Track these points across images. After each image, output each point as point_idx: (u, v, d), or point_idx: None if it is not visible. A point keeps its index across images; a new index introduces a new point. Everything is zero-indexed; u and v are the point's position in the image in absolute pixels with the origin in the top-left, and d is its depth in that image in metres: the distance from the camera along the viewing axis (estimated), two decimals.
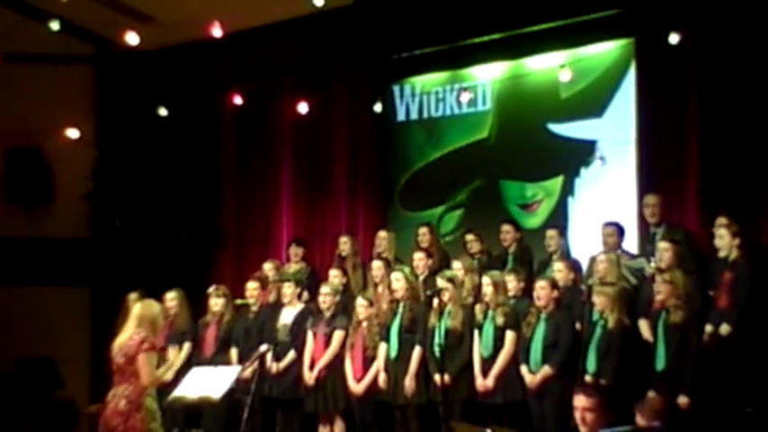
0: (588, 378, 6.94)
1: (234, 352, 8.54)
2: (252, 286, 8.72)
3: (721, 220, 7.38)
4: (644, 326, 7.19)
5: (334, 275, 8.73)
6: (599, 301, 7.08)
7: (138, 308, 6.41)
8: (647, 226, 8.35)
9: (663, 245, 7.36)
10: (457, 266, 8.19)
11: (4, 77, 10.32)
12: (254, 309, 8.66)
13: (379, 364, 7.91)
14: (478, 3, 9.29)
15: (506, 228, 8.89)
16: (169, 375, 6.93)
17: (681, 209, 8.53)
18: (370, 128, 10.67)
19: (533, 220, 9.78)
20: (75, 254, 11.00)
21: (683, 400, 6.53)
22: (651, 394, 6.66)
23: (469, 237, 8.95)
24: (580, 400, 4.81)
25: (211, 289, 8.89)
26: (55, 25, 9.48)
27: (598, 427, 4.78)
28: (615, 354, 6.93)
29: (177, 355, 8.39)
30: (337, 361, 8.10)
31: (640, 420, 4.91)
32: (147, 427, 6.36)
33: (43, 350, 10.36)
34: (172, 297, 8.80)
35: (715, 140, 8.46)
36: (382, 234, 9.36)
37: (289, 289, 8.56)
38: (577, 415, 4.83)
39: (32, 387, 10.15)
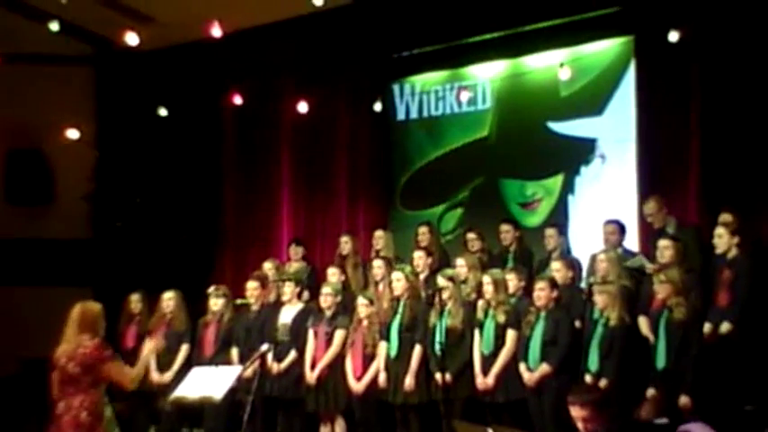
0: (589, 377, 6.94)
1: (235, 352, 8.54)
2: (252, 286, 8.72)
3: (723, 218, 7.37)
4: (643, 323, 7.19)
5: (333, 274, 8.74)
6: (600, 299, 7.08)
7: (75, 311, 5.98)
8: (648, 224, 8.35)
9: (663, 242, 7.35)
10: (460, 263, 8.20)
11: (5, 78, 10.33)
12: (255, 308, 8.66)
13: (379, 362, 7.92)
14: (478, 2, 9.30)
15: (506, 227, 8.90)
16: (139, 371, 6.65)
17: (681, 206, 8.53)
18: (370, 127, 10.68)
19: (533, 219, 9.79)
20: (76, 255, 11.00)
21: (683, 398, 6.53)
22: (651, 392, 6.68)
23: (471, 235, 8.95)
24: (576, 411, 4.82)
25: (211, 289, 8.88)
26: (54, 26, 9.50)
27: (599, 429, 4.79)
28: (617, 352, 6.92)
29: (150, 349, 8.14)
30: (338, 360, 8.10)
31: (644, 418, 4.92)
32: None
33: (45, 351, 10.34)
34: (169, 297, 8.80)
35: (715, 138, 8.47)
36: (379, 233, 9.36)
37: (289, 288, 8.56)
38: (579, 425, 4.84)
39: (34, 387, 10.14)
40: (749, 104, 8.28)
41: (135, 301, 9.03)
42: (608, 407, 4.80)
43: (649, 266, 7.58)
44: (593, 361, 6.98)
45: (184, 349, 8.65)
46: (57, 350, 5.94)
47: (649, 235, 8.26)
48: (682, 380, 6.63)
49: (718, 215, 7.52)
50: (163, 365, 8.58)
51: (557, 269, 7.75)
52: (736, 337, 6.85)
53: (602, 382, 6.78)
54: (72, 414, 5.76)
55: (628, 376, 6.85)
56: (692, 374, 6.63)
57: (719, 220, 7.36)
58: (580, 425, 4.80)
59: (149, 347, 6.91)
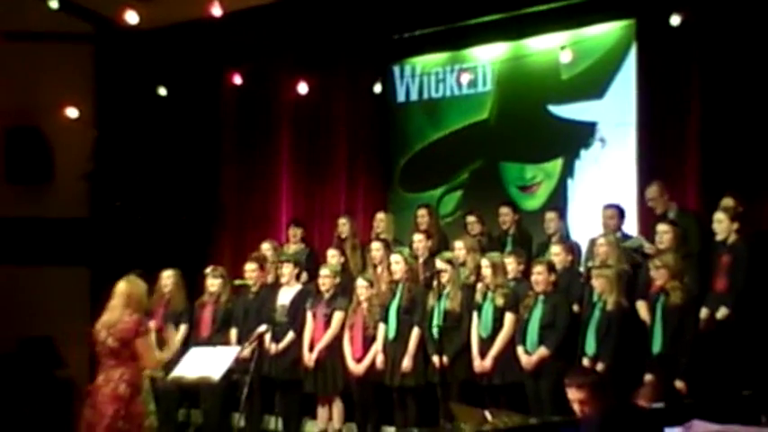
0: (586, 360, 6.96)
1: (234, 332, 8.56)
2: (250, 267, 8.73)
3: (725, 203, 7.37)
4: (642, 307, 7.20)
5: (333, 256, 8.74)
6: (598, 283, 7.09)
7: (123, 286, 6.07)
8: (648, 208, 8.34)
9: (662, 227, 7.36)
10: (459, 246, 8.20)
11: (4, 56, 10.29)
12: (254, 289, 8.67)
13: (377, 344, 7.93)
14: None
15: (504, 210, 8.89)
16: (169, 356, 6.80)
17: (681, 191, 8.51)
18: (369, 108, 10.65)
19: (533, 202, 9.77)
20: (74, 234, 10.98)
21: (678, 383, 6.55)
22: (648, 377, 6.69)
23: (470, 218, 8.94)
24: (573, 393, 4.82)
25: (208, 269, 8.90)
26: (54, 3, 9.46)
27: (596, 413, 4.79)
28: (614, 336, 6.94)
29: (176, 336, 8.35)
30: (336, 342, 8.12)
31: (642, 402, 4.92)
32: (146, 410, 6.28)
33: (43, 330, 10.37)
34: (168, 275, 8.81)
35: (715, 123, 8.44)
36: (380, 216, 9.35)
37: (287, 269, 8.57)
38: (575, 407, 4.84)
39: (32, 366, 10.17)
40: (750, 89, 8.25)
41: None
42: (605, 390, 4.80)
43: (648, 246, 7.59)
44: (591, 345, 7.00)
45: (183, 329, 8.66)
46: (98, 321, 6.03)
47: (649, 219, 8.25)
48: (677, 364, 6.64)
49: (718, 200, 7.51)
50: (161, 345, 8.58)
51: (556, 253, 7.75)
52: (734, 322, 6.86)
53: (599, 366, 6.81)
54: (111, 386, 5.87)
55: (625, 360, 6.86)
56: (687, 359, 6.65)
57: (720, 205, 7.35)
58: (576, 407, 4.80)
59: (176, 336, 6.99)
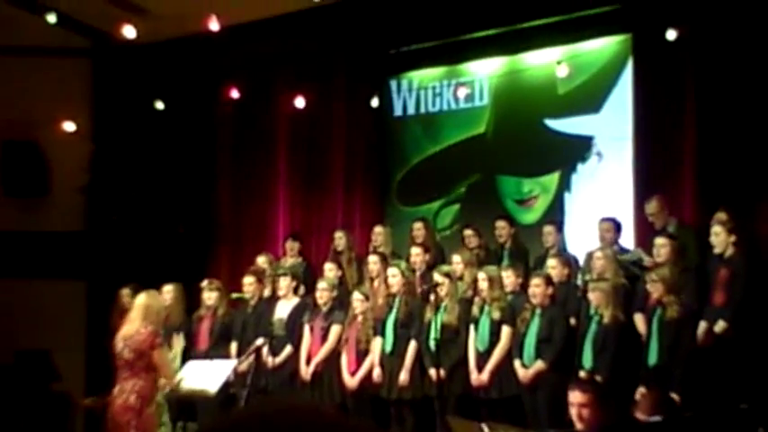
0: (583, 374, 6.95)
1: (234, 346, 8.54)
2: (248, 281, 8.73)
3: (719, 217, 7.38)
4: (639, 320, 7.20)
5: (330, 269, 8.74)
6: (594, 296, 7.10)
7: (143, 298, 6.18)
8: (644, 222, 8.36)
9: (660, 240, 7.36)
10: (456, 260, 8.20)
11: (1, 70, 10.29)
12: (252, 303, 8.66)
13: (373, 358, 7.92)
14: None
15: (501, 224, 8.90)
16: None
17: (678, 205, 8.53)
18: (367, 122, 10.66)
19: (530, 216, 9.78)
20: (71, 247, 10.97)
21: (673, 396, 6.54)
22: (642, 390, 6.68)
23: (468, 232, 8.95)
24: (576, 396, 4.82)
25: (205, 283, 8.89)
26: (52, 18, 9.49)
27: (594, 421, 4.79)
28: (611, 349, 6.94)
29: (171, 351, 8.36)
30: (334, 356, 8.11)
31: (640, 416, 4.91)
32: (158, 422, 6.28)
33: (39, 343, 10.35)
34: (168, 290, 8.79)
35: (712, 137, 8.47)
36: (378, 229, 9.35)
37: (284, 282, 8.56)
38: (573, 411, 4.84)
39: (28, 379, 10.14)
40: (746, 104, 8.28)
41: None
42: (607, 399, 4.81)
43: (647, 259, 7.59)
44: (588, 358, 7.00)
45: (180, 343, 8.63)
46: (117, 335, 6.12)
47: (645, 233, 8.26)
48: (672, 378, 6.64)
49: (714, 214, 7.52)
50: None
51: (553, 266, 7.76)
52: (732, 336, 6.86)
53: (597, 379, 6.79)
54: (123, 397, 5.97)
55: (621, 373, 6.86)
56: (682, 372, 6.65)
57: (716, 218, 7.36)
58: (575, 411, 4.79)
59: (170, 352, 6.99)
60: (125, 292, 8.99)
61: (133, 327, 6.07)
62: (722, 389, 6.73)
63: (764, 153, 8.20)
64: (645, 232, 8.33)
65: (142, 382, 5.97)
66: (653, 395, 6.58)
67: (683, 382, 6.62)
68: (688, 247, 7.61)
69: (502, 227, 8.88)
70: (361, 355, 7.97)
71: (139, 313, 6.12)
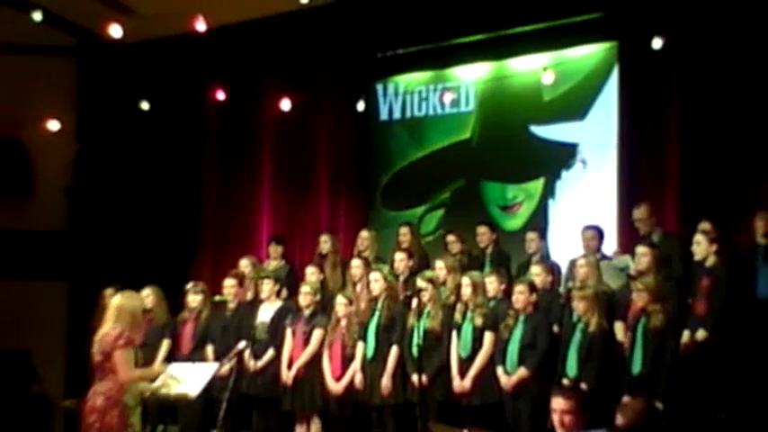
0: (566, 381, 6.95)
1: (210, 349, 8.50)
2: (229, 283, 8.69)
3: (702, 226, 7.40)
4: (619, 328, 7.22)
5: (311, 273, 8.72)
6: (580, 305, 7.09)
7: (117, 299, 6.14)
8: (628, 230, 8.38)
9: (641, 249, 7.36)
10: (439, 266, 8.17)
11: None
12: (232, 306, 8.63)
13: (356, 363, 7.90)
14: (463, 3, 9.29)
15: (482, 229, 8.91)
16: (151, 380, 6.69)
17: (661, 213, 8.55)
18: (352, 126, 10.67)
19: (514, 222, 9.80)
20: (53, 247, 10.92)
21: (656, 404, 6.56)
22: (626, 399, 6.69)
23: (450, 237, 8.95)
24: (558, 403, 4.81)
25: (189, 285, 8.84)
26: (38, 16, 9.45)
27: (576, 429, 4.79)
28: (597, 358, 6.95)
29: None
30: (315, 360, 8.08)
31: (621, 422, 4.91)
32: (124, 423, 6.23)
33: (19, 344, 10.29)
34: (147, 294, 8.72)
35: (695, 145, 8.52)
36: (364, 234, 9.33)
37: (267, 286, 8.53)
38: (555, 417, 4.83)
39: (8, 381, 10.08)
40: (730, 113, 8.32)
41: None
42: (591, 407, 4.81)
43: (634, 267, 7.60)
44: (572, 366, 6.99)
45: (165, 344, 8.60)
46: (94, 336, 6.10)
47: (629, 240, 8.28)
48: (656, 386, 6.65)
49: (697, 223, 7.54)
50: (149, 362, 8.52)
51: (536, 273, 7.76)
52: (713, 345, 6.88)
53: (582, 387, 6.80)
54: (92, 399, 5.94)
55: (605, 382, 6.87)
56: (666, 381, 6.66)
57: (699, 228, 7.39)
58: (557, 418, 4.79)
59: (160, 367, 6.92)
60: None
61: (105, 329, 6.04)
62: (704, 398, 6.76)
63: (748, 162, 8.24)
64: (628, 240, 8.36)
65: (110, 384, 5.94)
66: (636, 403, 6.61)
67: (666, 390, 6.63)
68: (673, 257, 7.62)
69: (483, 232, 8.88)
70: (347, 359, 7.94)
71: (112, 314, 6.08)
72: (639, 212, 8.12)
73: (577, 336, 7.06)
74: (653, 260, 7.24)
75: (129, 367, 6.06)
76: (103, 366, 5.97)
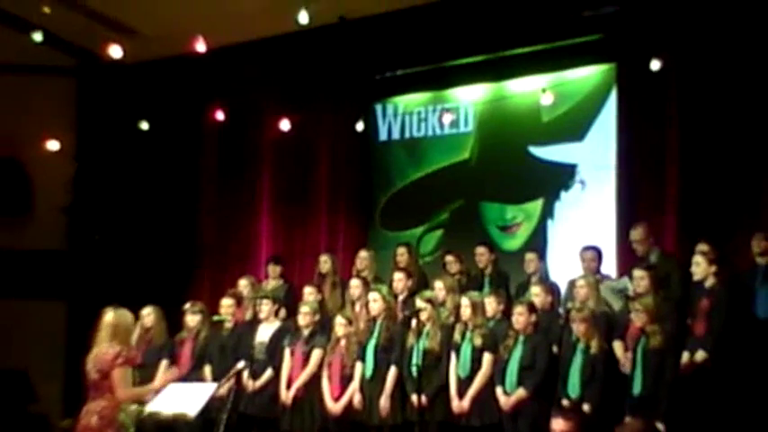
0: (566, 402, 6.93)
1: (208, 369, 8.47)
2: (227, 303, 8.69)
3: (700, 247, 7.40)
4: (618, 347, 7.21)
5: (309, 293, 8.71)
6: (580, 326, 7.07)
7: (110, 317, 6.07)
8: (627, 251, 8.38)
9: (638, 273, 7.34)
10: (439, 286, 8.17)
11: None
12: (229, 325, 8.61)
13: (355, 383, 7.88)
14: (462, 25, 9.33)
15: (481, 250, 8.91)
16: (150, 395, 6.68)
17: (660, 234, 8.56)
18: (351, 146, 10.69)
19: (513, 243, 9.81)
20: (52, 266, 10.91)
21: (658, 425, 6.54)
22: (629, 420, 6.68)
23: (449, 258, 8.95)
24: (558, 424, 4.81)
25: (187, 305, 8.83)
26: (38, 36, 9.47)
27: None
28: (600, 379, 6.93)
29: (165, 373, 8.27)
30: (314, 380, 8.06)
31: None
32: None
33: (17, 363, 10.26)
34: (148, 313, 8.72)
35: (694, 166, 8.53)
36: (363, 254, 9.33)
37: (266, 306, 8.52)
38: None
39: (5, 400, 10.04)
40: (728, 133, 8.35)
41: (146, 314, 8.85)
42: (590, 428, 4.80)
43: (632, 289, 7.59)
44: (574, 387, 6.96)
45: (163, 364, 8.57)
46: (88, 355, 6.03)
47: (628, 261, 8.28)
48: (657, 407, 6.64)
49: (696, 244, 7.55)
50: (145, 381, 8.48)
51: (536, 294, 7.75)
52: (712, 366, 6.87)
53: (585, 408, 6.79)
54: (87, 418, 5.86)
55: (606, 403, 6.85)
56: (666, 402, 6.65)
57: (697, 249, 7.39)
58: None
59: (165, 377, 6.88)
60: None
61: (101, 347, 5.99)
62: (705, 418, 6.74)
63: (747, 183, 8.26)
64: (627, 261, 8.36)
65: (105, 403, 5.87)
66: (637, 424, 6.61)
67: (667, 411, 6.61)
68: (672, 277, 7.62)
69: (481, 253, 8.89)
70: (346, 379, 7.92)
71: (107, 333, 6.02)
72: (636, 234, 8.12)
73: (578, 357, 7.04)
74: (651, 283, 7.23)
75: (127, 386, 6.05)
76: (100, 385, 5.92)
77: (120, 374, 5.93)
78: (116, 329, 6.03)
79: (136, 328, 8.71)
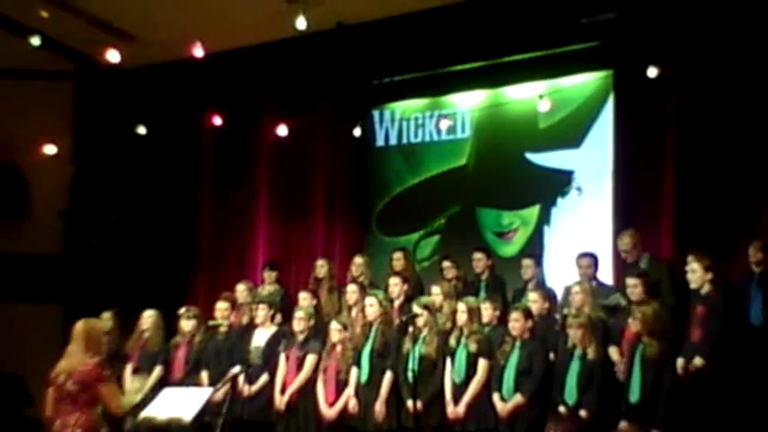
0: (563, 409, 6.93)
1: (204, 374, 8.47)
2: (222, 307, 8.69)
3: (696, 255, 7.41)
4: (613, 352, 7.22)
5: (304, 298, 8.72)
6: (578, 333, 7.07)
7: (81, 328, 5.94)
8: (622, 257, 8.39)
9: (631, 281, 7.32)
10: (435, 291, 8.18)
11: None
12: (224, 330, 8.60)
13: (350, 389, 7.88)
14: (460, 31, 9.35)
15: (478, 255, 8.93)
16: (136, 399, 6.66)
17: (656, 240, 8.58)
18: (349, 152, 10.71)
19: (509, 249, 9.82)
20: (49, 270, 10.91)
21: None
22: (624, 425, 6.69)
23: (446, 263, 8.96)
24: (555, 430, 4.81)
25: (182, 310, 8.83)
26: (36, 41, 9.49)
27: None
28: (597, 385, 6.93)
29: (145, 382, 8.28)
30: (309, 385, 8.06)
31: None
32: None
33: (13, 367, 10.25)
34: (148, 315, 8.74)
35: (690, 173, 8.54)
36: (358, 260, 9.33)
37: (262, 311, 8.53)
38: None
39: (1, 404, 10.03)
40: (725, 140, 8.36)
41: (106, 320, 8.92)
42: None
43: (624, 303, 7.59)
44: (571, 393, 6.95)
45: (157, 370, 8.57)
46: (56, 366, 5.89)
47: (624, 268, 8.28)
48: (654, 414, 6.64)
49: (692, 251, 7.54)
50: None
51: (533, 300, 7.76)
52: (709, 372, 6.88)
53: (583, 413, 6.79)
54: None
55: (603, 409, 6.86)
56: (664, 409, 6.65)
57: (693, 256, 7.39)
58: None
59: (145, 382, 6.84)
60: (105, 316, 8.93)
61: (75, 359, 5.84)
62: (699, 425, 6.74)
63: (743, 191, 8.27)
64: (623, 267, 8.35)
65: (85, 416, 5.77)
66: (633, 429, 6.61)
67: (664, 419, 6.61)
68: (662, 283, 7.63)
69: (479, 258, 8.91)
70: (341, 385, 7.92)
71: (80, 343, 5.89)
72: (623, 243, 8.12)
73: (575, 363, 7.03)
74: (644, 289, 7.24)
75: (120, 398, 6.00)
76: (78, 398, 5.78)
77: (111, 389, 5.86)
78: (88, 340, 5.90)
79: (136, 331, 8.78)
